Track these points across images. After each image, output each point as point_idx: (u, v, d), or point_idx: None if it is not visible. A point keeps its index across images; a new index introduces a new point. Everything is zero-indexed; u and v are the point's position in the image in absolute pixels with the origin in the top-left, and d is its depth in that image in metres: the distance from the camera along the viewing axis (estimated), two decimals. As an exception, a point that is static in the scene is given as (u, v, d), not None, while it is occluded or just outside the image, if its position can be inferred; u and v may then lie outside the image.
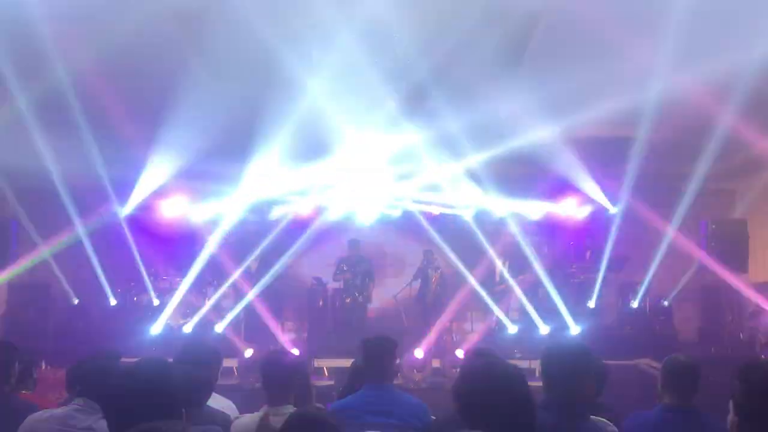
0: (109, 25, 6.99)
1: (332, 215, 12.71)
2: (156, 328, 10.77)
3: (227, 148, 10.24)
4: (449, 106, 9.47)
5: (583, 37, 7.34)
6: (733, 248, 11.10)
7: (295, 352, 9.66)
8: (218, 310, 12.25)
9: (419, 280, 11.75)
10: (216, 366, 4.08)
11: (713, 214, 12.63)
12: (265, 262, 11.41)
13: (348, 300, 11.28)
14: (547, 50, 7.82)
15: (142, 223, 12.34)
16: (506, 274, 11.47)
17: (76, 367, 3.99)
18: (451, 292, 11.92)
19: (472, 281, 11.81)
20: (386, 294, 12.44)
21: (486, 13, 7.03)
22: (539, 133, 10.81)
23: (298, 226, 12.59)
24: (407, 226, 13.07)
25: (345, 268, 11.53)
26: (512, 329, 11.01)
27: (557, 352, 3.23)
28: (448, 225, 12.82)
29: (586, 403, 3.22)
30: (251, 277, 11.36)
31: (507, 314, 11.65)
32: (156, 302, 11.76)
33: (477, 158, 11.12)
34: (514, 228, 13.14)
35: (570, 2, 6.62)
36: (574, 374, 3.08)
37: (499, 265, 11.55)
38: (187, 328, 10.99)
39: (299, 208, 12.53)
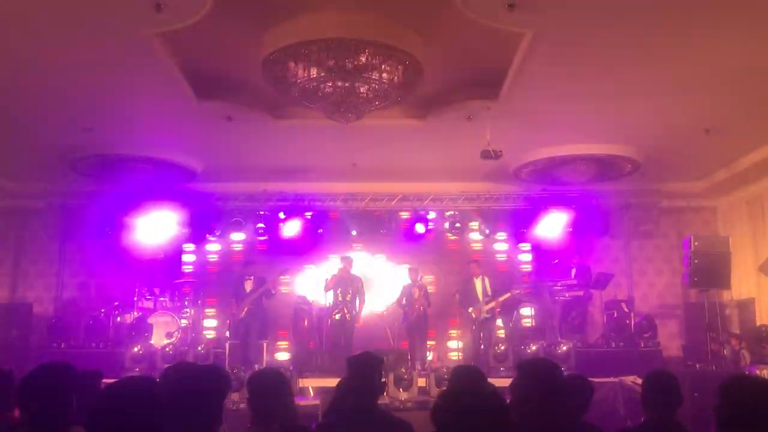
0: None
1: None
2: (139, 348, 10.65)
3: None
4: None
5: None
6: (716, 265, 11.17)
7: (282, 371, 9.59)
8: (203, 330, 12.19)
9: (404, 298, 11.70)
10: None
11: (696, 231, 12.74)
12: (259, 281, 11.31)
13: (337, 316, 11.20)
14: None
15: (126, 243, 12.31)
16: (489, 291, 11.45)
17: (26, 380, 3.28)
18: (435, 309, 11.93)
19: (457, 299, 11.87)
20: (372, 312, 12.43)
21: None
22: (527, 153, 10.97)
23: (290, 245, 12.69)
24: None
25: (336, 285, 11.41)
26: (499, 347, 10.99)
27: (529, 369, 3.30)
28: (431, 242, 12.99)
29: (569, 420, 3.25)
30: (243, 296, 11.24)
31: (493, 331, 11.64)
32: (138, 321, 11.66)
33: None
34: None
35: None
36: (545, 392, 3.13)
37: (481, 283, 11.52)
38: (171, 348, 10.87)
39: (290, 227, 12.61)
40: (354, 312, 11.23)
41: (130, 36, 6.85)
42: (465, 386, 2.54)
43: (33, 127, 9.61)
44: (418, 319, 11.45)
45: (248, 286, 11.25)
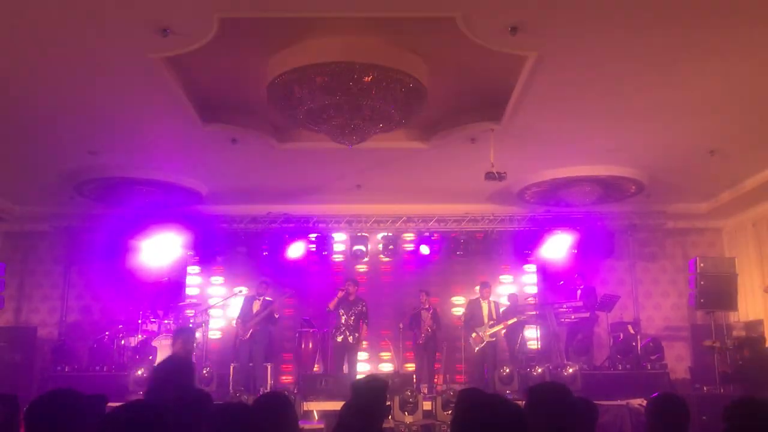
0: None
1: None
2: (143, 371, 10.61)
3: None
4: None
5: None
6: (722, 286, 11.13)
7: (286, 394, 9.52)
8: (207, 352, 12.13)
9: (414, 321, 11.66)
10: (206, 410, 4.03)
11: (702, 252, 12.71)
12: (266, 303, 11.32)
13: (339, 338, 11.17)
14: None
15: (130, 266, 12.32)
16: (494, 314, 11.42)
17: (32, 407, 3.18)
18: (443, 332, 11.89)
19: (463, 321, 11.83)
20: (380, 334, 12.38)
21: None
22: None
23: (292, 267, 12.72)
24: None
25: (338, 306, 11.40)
26: (504, 369, 10.93)
27: (538, 394, 3.27)
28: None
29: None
30: (249, 318, 11.22)
31: (497, 354, 11.58)
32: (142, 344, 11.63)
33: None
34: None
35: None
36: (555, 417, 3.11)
37: (488, 306, 11.49)
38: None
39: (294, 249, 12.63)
40: (356, 335, 11.21)
41: (136, 60, 6.91)
42: (477, 403, 2.49)
43: (38, 151, 9.67)
44: (426, 341, 11.42)
45: (256, 307, 11.25)
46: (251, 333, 11.04)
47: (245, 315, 11.26)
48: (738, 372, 9.52)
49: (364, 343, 11.58)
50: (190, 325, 7.04)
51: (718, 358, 10.73)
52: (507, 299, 12.31)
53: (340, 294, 11.36)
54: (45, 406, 3.10)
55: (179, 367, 6.58)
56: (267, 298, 11.39)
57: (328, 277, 13.09)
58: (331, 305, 11.36)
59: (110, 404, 3.95)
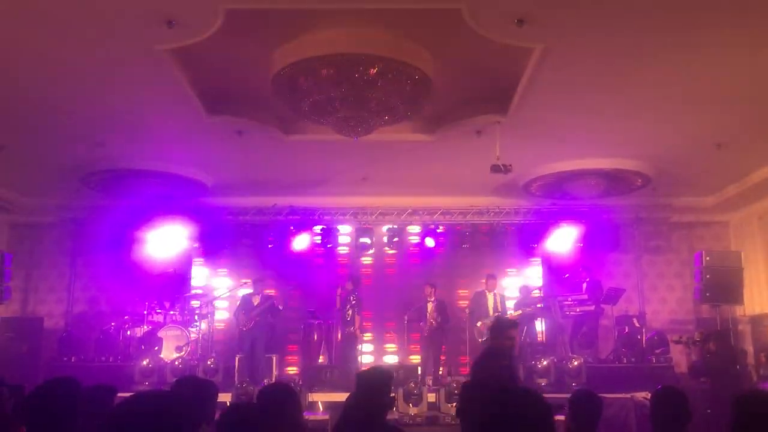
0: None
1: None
2: (148, 362, 10.66)
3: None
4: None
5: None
6: (728, 280, 11.10)
7: (291, 385, 9.55)
8: (212, 343, 12.17)
9: (419, 313, 11.69)
10: (213, 400, 4.05)
11: (708, 246, 12.69)
12: (265, 297, 11.39)
13: (351, 330, 11.34)
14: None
15: (136, 257, 12.36)
16: (500, 307, 11.43)
17: (30, 396, 3.26)
18: (450, 324, 11.90)
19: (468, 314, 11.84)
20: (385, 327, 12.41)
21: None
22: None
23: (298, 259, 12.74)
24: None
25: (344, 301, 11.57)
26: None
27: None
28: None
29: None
30: (251, 309, 11.28)
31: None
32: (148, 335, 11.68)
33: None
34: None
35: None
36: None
37: (493, 298, 11.50)
38: (181, 362, 10.87)
39: (300, 241, 12.65)
40: (348, 327, 11.33)
41: (141, 52, 6.90)
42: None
43: (45, 143, 9.68)
44: (431, 333, 11.44)
45: (255, 301, 11.32)
46: (253, 325, 11.10)
47: (246, 307, 11.32)
48: (705, 364, 9.69)
49: (366, 334, 11.61)
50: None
51: (688, 351, 10.79)
52: (518, 291, 12.30)
53: (339, 292, 11.59)
54: (43, 394, 3.11)
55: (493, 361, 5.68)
56: (268, 292, 11.49)
57: (333, 270, 13.13)
58: (338, 304, 11.57)
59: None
